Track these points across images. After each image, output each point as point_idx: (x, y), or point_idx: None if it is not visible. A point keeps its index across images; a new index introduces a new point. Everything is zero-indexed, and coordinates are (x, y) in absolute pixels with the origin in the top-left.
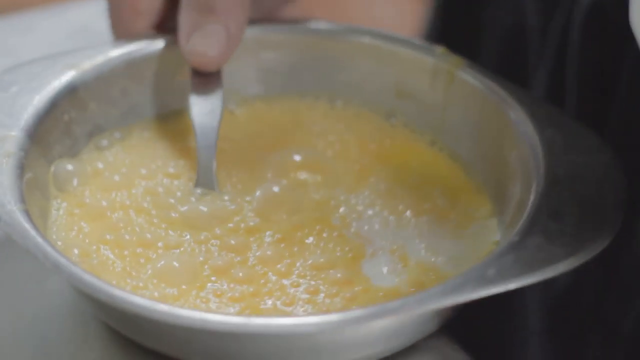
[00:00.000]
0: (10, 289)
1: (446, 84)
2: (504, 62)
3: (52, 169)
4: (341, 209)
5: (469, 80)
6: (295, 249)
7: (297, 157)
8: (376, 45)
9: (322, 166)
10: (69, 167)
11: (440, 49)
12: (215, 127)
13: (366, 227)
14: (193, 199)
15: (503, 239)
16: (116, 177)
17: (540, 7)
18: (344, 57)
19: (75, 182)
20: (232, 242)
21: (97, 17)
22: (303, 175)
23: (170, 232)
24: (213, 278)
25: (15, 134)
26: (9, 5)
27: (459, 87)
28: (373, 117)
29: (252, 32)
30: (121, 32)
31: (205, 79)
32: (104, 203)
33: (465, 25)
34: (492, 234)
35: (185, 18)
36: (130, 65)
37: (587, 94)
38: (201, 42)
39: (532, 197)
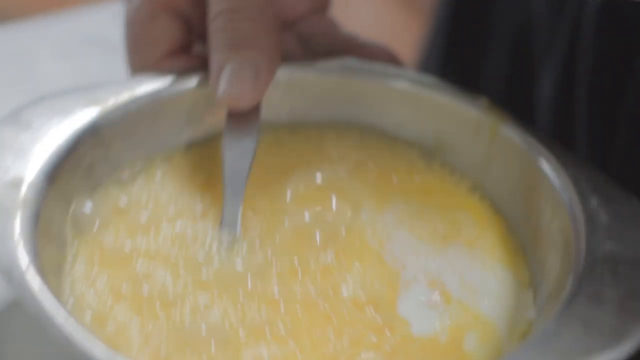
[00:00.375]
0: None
1: (489, 139)
2: (512, 60)
3: (71, 210)
4: (369, 230)
5: (513, 137)
6: (332, 284)
7: (319, 181)
8: (414, 93)
9: (345, 192)
10: (88, 208)
11: (484, 101)
12: (245, 172)
13: (398, 250)
14: (220, 249)
15: (538, 320)
16: (140, 217)
17: (548, 3)
18: (378, 102)
19: (95, 224)
20: (266, 295)
21: (110, 23)
22: (327, 203)
23: (197, 289)
24: (247, 340)
25: (33, 178)
26: (23, 10)
27: (502, 143)
28: (407, 153)
29: (283, 74)
30: (137, 62)
31: (241, 117)
32: (126, 248)
33: (473, 25)
34: (527, 307)
35: (215, 57)
36: (157, 104)
37: (598, 89)
38: (233, 82)
39: (571, 278)
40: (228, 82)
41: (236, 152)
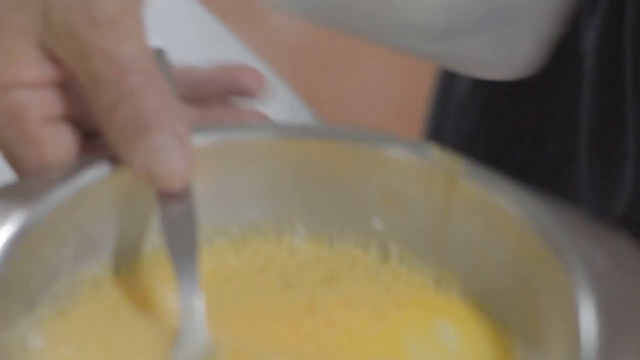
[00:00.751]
0: None
1: (445, 194)
2: None
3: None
4: None
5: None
6: None
7: None
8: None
9: None
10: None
11: (433, 149)
12: (195, 261)
13: None
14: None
15: None
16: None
17: None
18: None
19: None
20: None
21: None
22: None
23: None
24: None
25: None
26: None
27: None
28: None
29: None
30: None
31: (173, 199)
32: None
33: None
34: None
35: (122, 147)
36: (81, 194)
37: None
38: (155, 161)
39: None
40: (149, 159)
41: (179, 238)
